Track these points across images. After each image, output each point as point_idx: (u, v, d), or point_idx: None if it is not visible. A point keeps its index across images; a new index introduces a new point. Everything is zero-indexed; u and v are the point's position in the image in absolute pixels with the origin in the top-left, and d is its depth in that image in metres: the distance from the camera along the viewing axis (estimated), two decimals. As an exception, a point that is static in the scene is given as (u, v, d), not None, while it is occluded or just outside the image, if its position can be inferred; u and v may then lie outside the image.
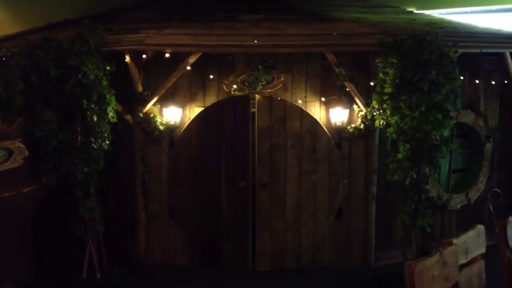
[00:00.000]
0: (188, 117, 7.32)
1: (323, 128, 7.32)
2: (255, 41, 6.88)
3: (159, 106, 7.22)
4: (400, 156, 6.64)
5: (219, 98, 7.27)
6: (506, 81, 7.94)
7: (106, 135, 6.86)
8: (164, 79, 7.05)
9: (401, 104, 6.53)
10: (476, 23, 8.75)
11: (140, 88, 7.12)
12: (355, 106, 7.23)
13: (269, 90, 7.21)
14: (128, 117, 7.27)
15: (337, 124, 7.25)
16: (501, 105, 8.24)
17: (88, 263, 7.00)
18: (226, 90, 7.19)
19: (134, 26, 7.44)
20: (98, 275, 7.01)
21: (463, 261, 4.59)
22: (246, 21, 7.77)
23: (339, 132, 7.34)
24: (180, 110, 7.24)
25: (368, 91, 7.08)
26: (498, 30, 8.25)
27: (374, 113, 6.97)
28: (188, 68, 6.96)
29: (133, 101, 7.16)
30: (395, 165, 6.73)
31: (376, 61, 6.81)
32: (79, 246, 7.04)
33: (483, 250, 4.85)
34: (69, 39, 6.61)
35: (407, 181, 6.68)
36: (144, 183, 7.33)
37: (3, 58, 6.50)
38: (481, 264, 4.83)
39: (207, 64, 7.16)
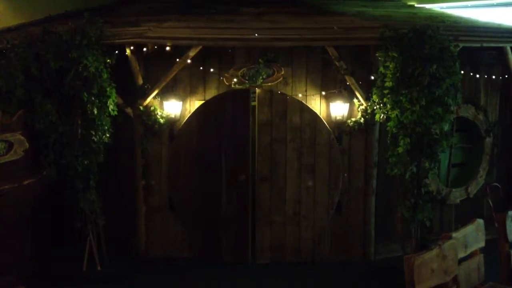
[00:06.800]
0: (188, 110, 7.32)
1: (323, 122, 7.32)
2: (256, 35, 6.87)
3: (159, 99, 7.22)
4: (400, 150, 6.65)
5: (220, 92, 7.27)
6: (506, 76, 7.94)
7: (106, 128, 6.86)
8: (164, 72, 7.04)
9: (401, 98, 6.54)
10: (477, 18, 8.73)
11: (140, 81, 7.12)
12: (355, 100, 7.23)
13: (270, 84, 7.21)
14: (129, 110, 7.27)
15: (337, 118, 7.25)
16: (501, 99, 8.25)
17: (88, 255, 7.03)
18: (227, 83, 7.19)
19: (134, 19, 7.43)
20: (98, 268, 7.04)
21: (462, 255, 4.62)
22: (246, 14, 7.77)
23: (339, 126, 7.34)
24: (180, 103, 7.24)
25: (369, 85, 7.08)
26: (499, 25, 8.23)
27: (375, 107, 6.98)
28: (189, 61, 6.95)
29: (133, 94, 7.16)
30: (395, 159, 6.74)
31: (377, 55, 6.82)
32: (79, 239, 7.06)
33: (482, 244, 4.87)
34: (70, 32, 6.60)
35: (407, 175, 6.69)
36: (144, 176, 7.34)
37: (4, 51, 6.50)
38: (480, 258, 4.86)
39: (207, 57, 7.15)
